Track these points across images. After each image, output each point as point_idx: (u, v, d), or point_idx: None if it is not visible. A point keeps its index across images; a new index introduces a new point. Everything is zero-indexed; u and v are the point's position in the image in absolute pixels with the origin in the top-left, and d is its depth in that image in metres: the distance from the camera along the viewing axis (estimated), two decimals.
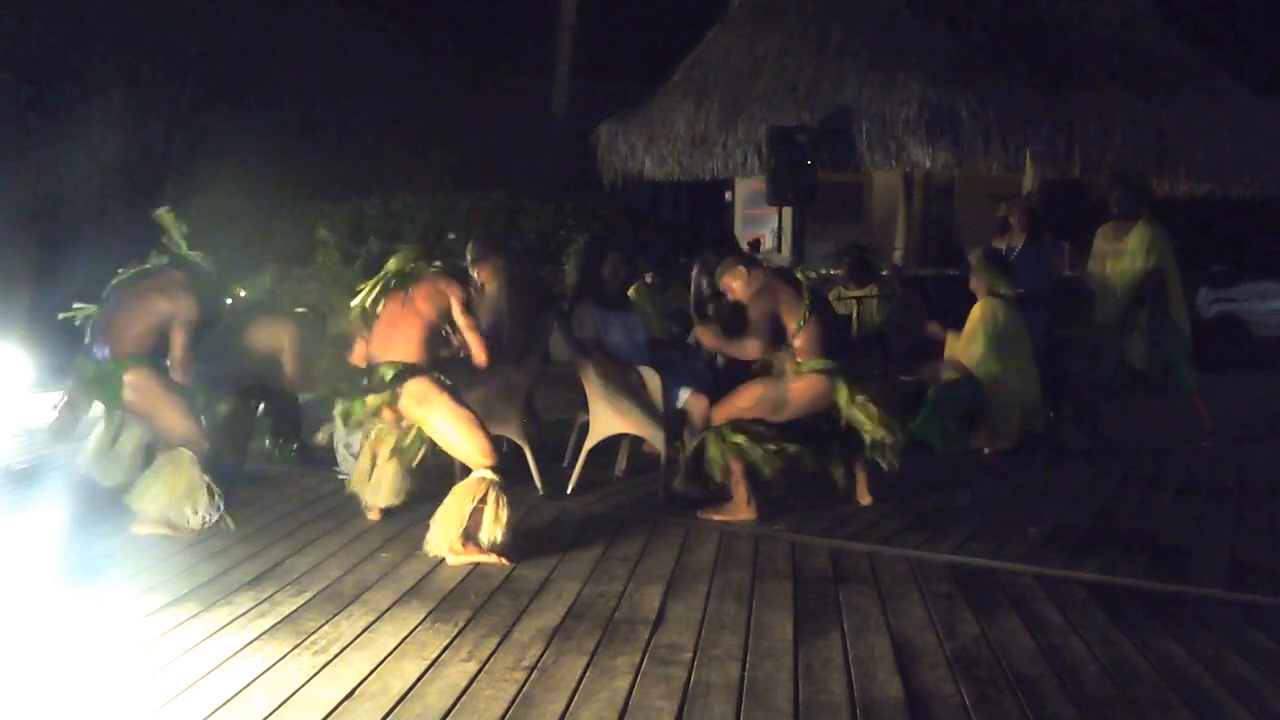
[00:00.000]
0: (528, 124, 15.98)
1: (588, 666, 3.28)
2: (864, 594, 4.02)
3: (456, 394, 4.64)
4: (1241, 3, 17.32)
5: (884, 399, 5.19)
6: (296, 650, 3.39)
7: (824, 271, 7.52)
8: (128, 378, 4.86)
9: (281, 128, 13.98)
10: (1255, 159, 10.76)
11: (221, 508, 4.85)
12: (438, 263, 4.80)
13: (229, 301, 6.39)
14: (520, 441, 5.67)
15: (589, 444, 5.63)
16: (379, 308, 4.74)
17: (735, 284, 5.20)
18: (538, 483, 5.57)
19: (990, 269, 6.59)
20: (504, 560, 4.33)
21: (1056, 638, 3.55)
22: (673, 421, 5.48)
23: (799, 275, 5.16)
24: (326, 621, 3.67)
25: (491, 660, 3.33)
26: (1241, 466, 6.32)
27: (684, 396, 5.52)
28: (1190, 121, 10.54)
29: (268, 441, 6.28)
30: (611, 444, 5.83)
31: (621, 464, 6.00)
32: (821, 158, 10.00)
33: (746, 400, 5.02)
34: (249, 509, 5.22)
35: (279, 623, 3.65)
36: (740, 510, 5.02)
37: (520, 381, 5.73)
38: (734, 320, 5.24)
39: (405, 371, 4.58)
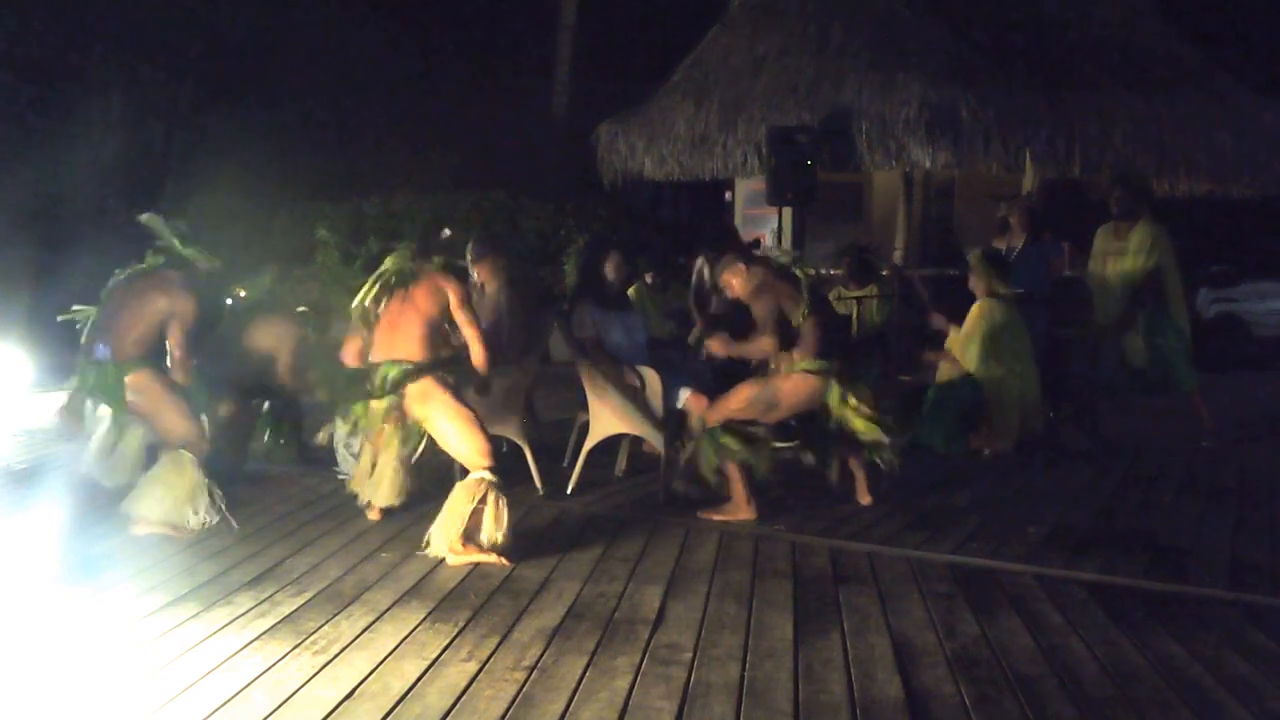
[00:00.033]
0: (528, 124, 15.97)
1: (588, 666, 3.28)
2: (864, 594, 4.02)
3: (458, 393, 4.65)
4: (1241, 3, 17.31)
5: (880, 400, 5.19)
6: (296, 650, 3.39)
7: (824, 271, 7.51)
8: (129, 379, 4.87)
9: (281, 128, 13.97)
10: (1255, 159, 10.74)
11: (223, 508, 4.86)
12: (437, 259, 4.80)
13: (229, 301, 6.39)
14: (520, 441, 5.67)
15: (589, 444, 5.63)
16: (380, 307, 4.74)
17: (735, 281, 5.19)
18: (538, 483, 5.57)
19: (989, 269, 6.59)
20: (504, 560, 4.33)
21: (1056, 638, 3.55)
22: (673, 421, 5.48)
23: (797, 273, 5.15)
24: (326, 621, 3.67)
25: (491, 660, 3.33)
26: (1241, 466, 6.32)
27: (684, 396, 5.52)
28: (1190, 121, 10.53)
29: (268, 441, 6.28)
30: (611, 444, 5.83)
31: (621, 464, 6.00)
32: (821, 158, 9.99)
33: (739, 401, 5.02)
34: (249, 509, 5.22)
35: (279, 623, 3.65)
36: (740, 510, 5.02)
37: (520, 381, 5.73)
38: (733, 315, 5.23)
39: (412, 372, 4.58)
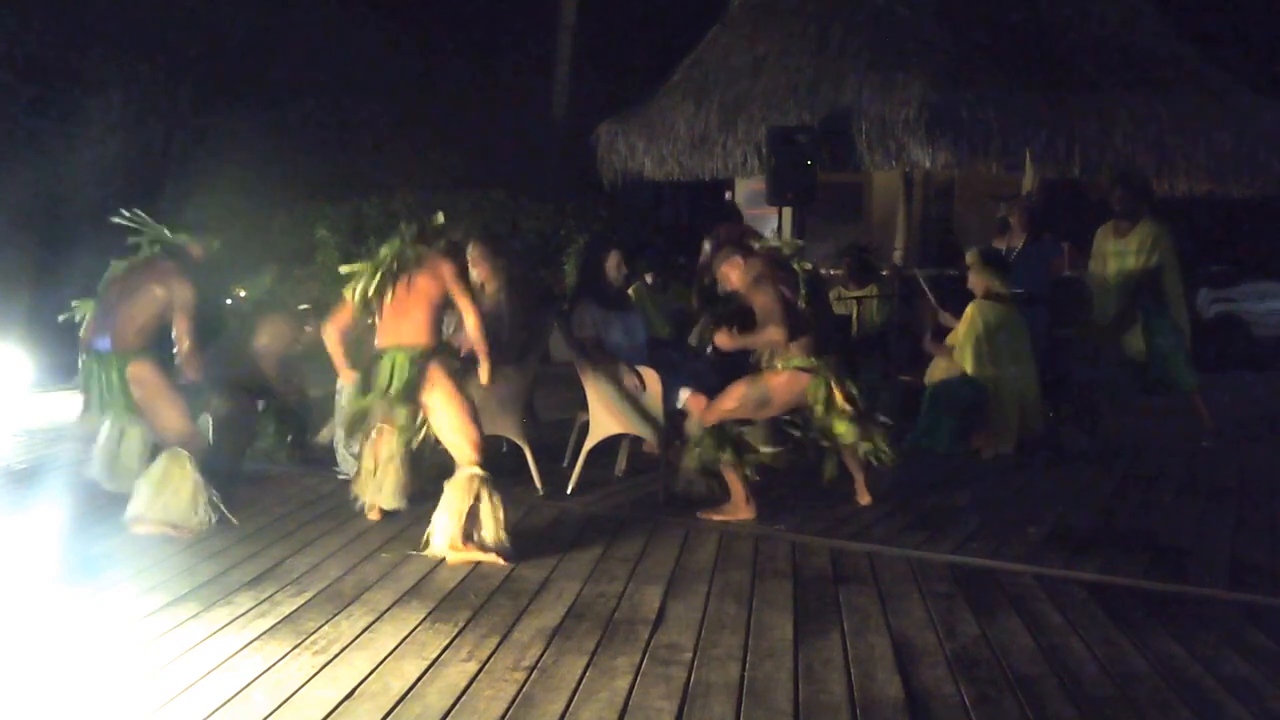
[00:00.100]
0: (528, 124, 15.97)
1: (588, 666, 3.28)
2: (864, 594, 4.02)
3: (459, 382, 4.64)
4: (1241, 3, 17.31)
5: (872, 399, 5.18)
6: (296, 650, 3.39)
7: (824, 271, 7.51)
8: (131, 370, 4.87)
9: (281, 128, 13.96)
10: (1255, 159, 10.73)
11: (221, 508, 4.86)
12: (439, 241, 4.77)
13: (229, 301, 6.39)
14: (520, 441, 5.67)
15: (589, 444, 5.63)
16: (386, 296, 4.68)
17: (733, 273, 5.17)
18: (538, 483, 5.57)
19: (987, 269, 6.58)
20: (502, 560, 4.33)
21: (1056, 638, 3.55)
22: (672, 422, 5.48)
23: (795, 266, 5.11)
24: (326, 621, 3.67)
25: (491, 660, 3.33)
26: (1241, 466, 6.32)
27: (684, 396, 5.52)
28: (1190, 121, 10.52)
29: (271, 440, 6.28)
30: (611, 444, 5.83)
31: (621, 464, 6.00)
32: (821, 158, 9.98)
33: (732, 400, 5.02)
34: (249, 509, 5.22)
35: (279, 623, 3.65)
36: (740, 510, 5.02)
37: (520, 381, 5.73)
38: (737, 307, 5.21)
39: (421, 356, 4.56)
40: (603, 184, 12.13)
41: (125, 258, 5.19)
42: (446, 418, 4.54)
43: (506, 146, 15.52)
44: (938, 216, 12.42)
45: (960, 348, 6.53)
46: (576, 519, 5.13)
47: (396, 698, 3.04)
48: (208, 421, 5.85)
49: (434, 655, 3.36)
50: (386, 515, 4.97)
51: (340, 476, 5.83)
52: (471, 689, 3.11)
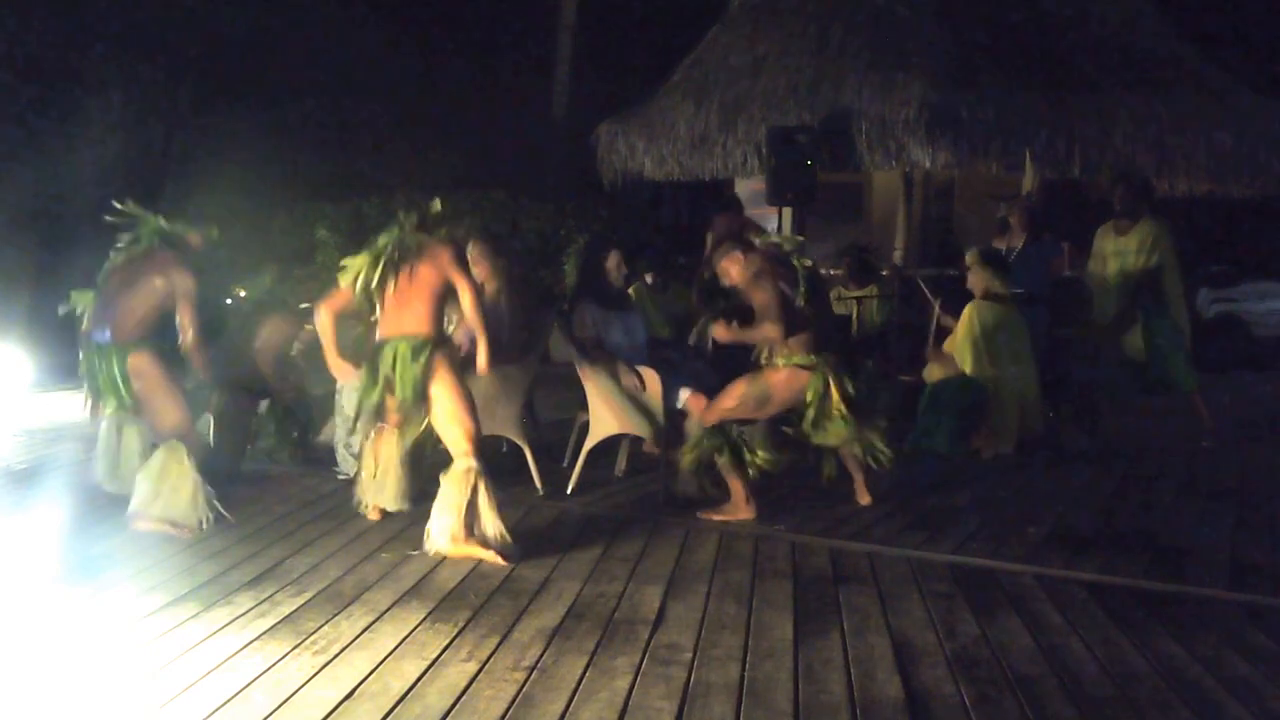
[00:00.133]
0: (528, 124, 15.96)
1: (588, 666, 3.28)
2: (864, 594, 4.02)
3: (459, 373, 4.64)
4: (1241, 3, 17.31)
5: (870, 401, 5.17)
6: (296, 650, 3.40)
7: (824, 271, 7.51)
8: (131, 360, 4.87)
9: (281, 128, 13.95)
10: (1255, 159, 10.73)
11: (217, 505, 4.86)
12: (440, 230, 4.75)
13: (229, 301, 6.40)
14: (520, 441, 5.67)
15: (589, 444, 5.63)
16: (389, 287, 4.65)
17: (733, 269, 5.16)
18: (538, 483, 5.57)
19: (987, 269, 6.57)
20: (502, 559, 4.33)
21: (1056, 638, 3.55)
22: (672, 422, 5.48)
23: (795, 263, 5.09)
24: (326, 621, 3.67)
25: (491, 660, 3.33)
26: (1241, 466, 6.33)
27: (684, 396, 5.52)
28: (1190, 121, 10.52)
29: (274, 441, 6.29)
30: (611, 444, 5.83)
31: (621, 464, 6.00)
32: (821, 158, 9.98)
33: (732, 399, 5.01)
34: (249, 509, 5.23)
35: (279, 623, 3.65)
36: (740, 510, 5.02)
37: (520, 381, 5.74)
38: (732, 301, 5.21)
39: (423, 345, 4.54)
40: (603, 184, 12.12)
41: (124, 248, 5.17)
42: (444, 407, 4.54)
43: (506, 146, 15.52)
44: (938, 216, 12.42)
45: (959, 348, 6.52)
46: (576, 519, 5.13)
47: (396, 698, 3.04)
48: (208, 421, 5.86)
49: (434, 655, 3.36)
50: (386, 515, 4.97)
51: (340, 476, 5.84)
52: (471, 689, 3.11)
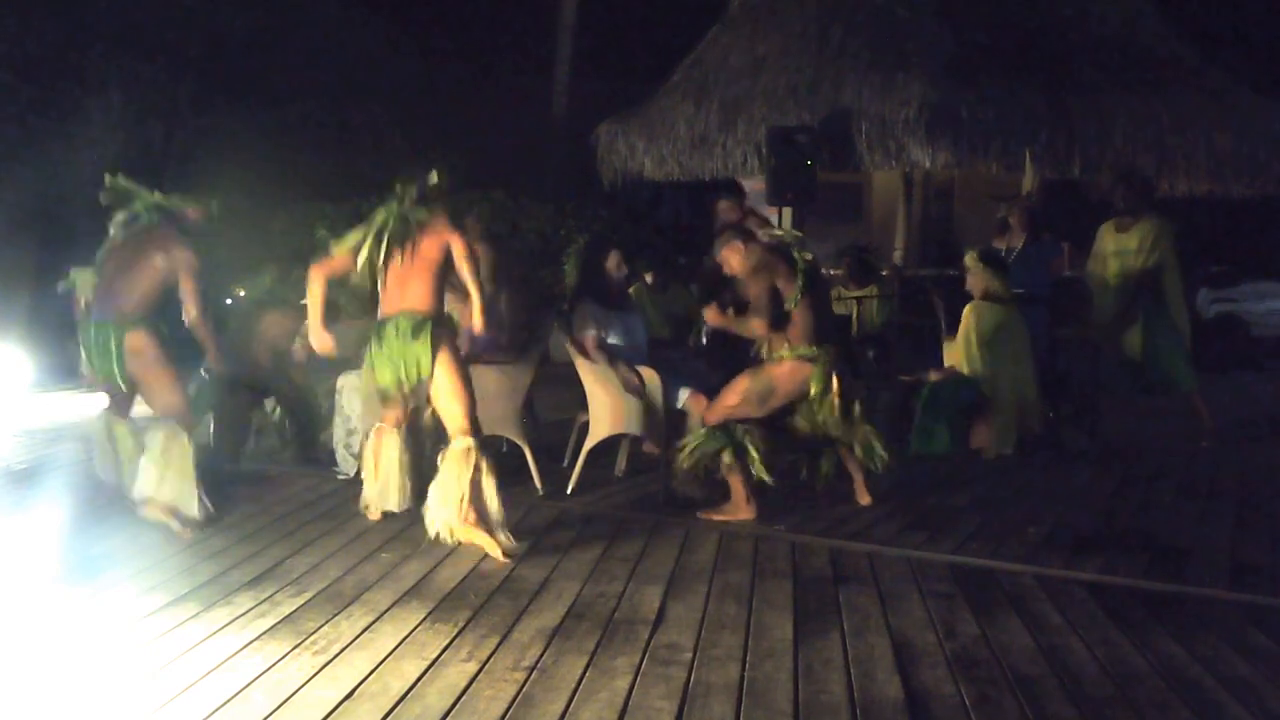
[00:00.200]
0: (528, 124, 15.97)
1: (588, 666, 3.28)
2: (864, 594, 4.01)
3: (458, 350, 4.64)
4: (1241, 3, 17.31)
5: (871, 401, 5.17)
6: (296, 650, 3.39)
7: (825, 272, 7.51)
8: (128, 338, 4.85)
9: (282, 127, 13.96)
10: (1255, 159, 10.74)
11: (206, 502, 4.86)
12: (440, 204, 4.71)
13: (229, 301, 6.40)
14: (520, 441, 5.67)
15: (589, 444, 5.63)
16: (394, 262, 4.62)
17: (733, 259, 5.16)
18: (538, 483, 5.57)
19: (986, 270, 6.57)
20: (502, 552, 4.34)
21: (1056, 638, 3.55)
22: (673, 422, 5.48)
23: (795, 255, 5.07)
24: (326, 621, 3.67)
25: (491, 660, 3.33)
26: (1241, 466, 6.32)
27: (684, 396, 5.53)
28: (1190, 121, 10.53)
29: (276, 439, 6.29)
30: (611, 444, 5.83)
31: (621, 464, 6.00)
32: (821, 158, 9.99)
33: (735, 395, 5.01)
34: (249, 509, 5.23)
35: (279, 623, 3.65)
36: (740, 510, 5.01)
37: (520, 381, 5.74)
38: (732, 289, 5.21)
39: (424, 321, 4.54)
40: (603, 184, 12.13)
41: (123, 226, 5.15)
42: (444, 383, 4.53)
43: (506, 146, 15.53)
44: (938, 216, 12.42)
45: (958, 349, 6.52)
46: (576, 519, 5.12)
47: (396, 698, 3.04)
48: (208, 421, 5.87)
49: (434, 655, 3.36)
50: (386, 515, 4.97)
51: (340, 476, 5.84)
52: (471, 689, 3.11)
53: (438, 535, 4.43)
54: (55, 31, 12.83)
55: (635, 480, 5.87)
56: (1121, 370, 7.05)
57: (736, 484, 5.00)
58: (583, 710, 2.97)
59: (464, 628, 3.62)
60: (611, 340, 5.66)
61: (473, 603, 3.87)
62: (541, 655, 3.37)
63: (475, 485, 4.39)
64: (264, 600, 3.89)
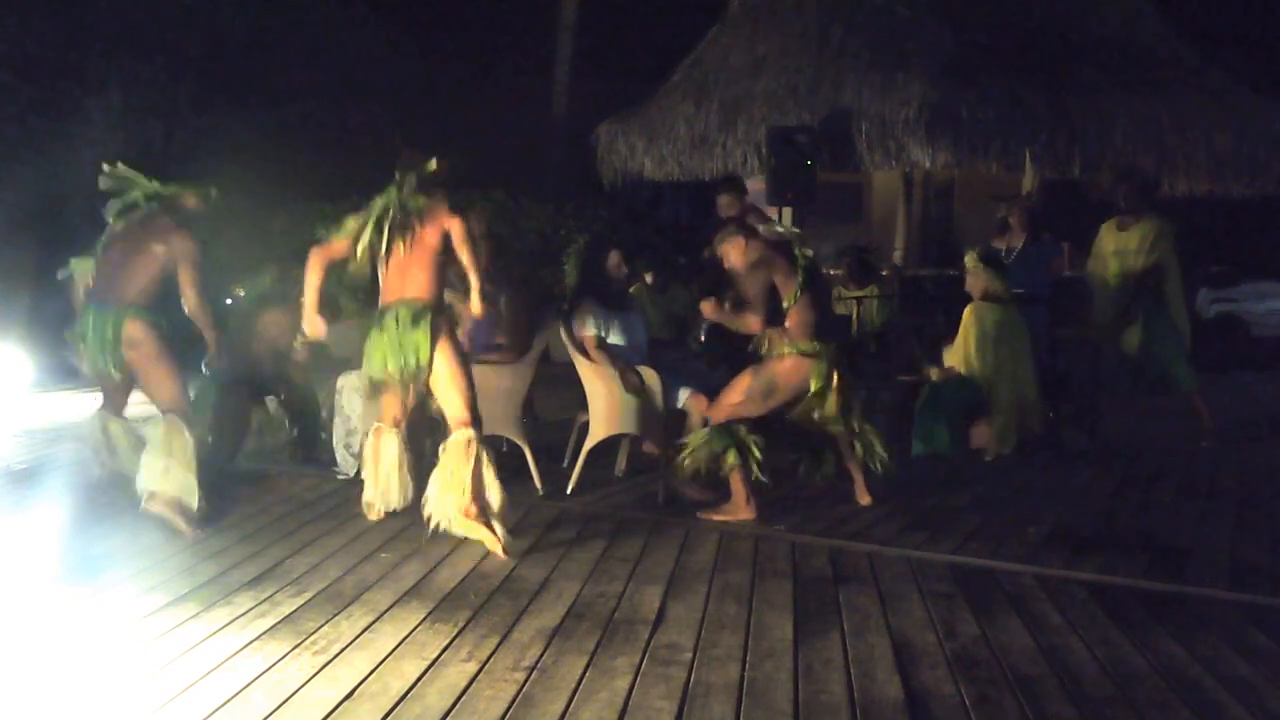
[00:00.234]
0: (528, 124, 15.98)
1: (588, 666, 3.28)
2: (864, 594, 4.01)
3: (457, 340, 4.64)
4: (1241, 3, 17.31)
5: (871, 401, 5.16)
6: (296, 650, 3.39)
7: (825, 272, 7.51)
8: (127, 326, 4.83)
9: (282, 127, 13.97)
10: (1255, 159, 10.74)
11: (202, 502, 4.86)
12: (439, 192, 4.70)
13: (229, 301, 6.39)
14: (520, 441, 5.67)
15: (589, 444, 5.63)
16: (396, 252, 4.62)
17: (733, 253, 5.16)
18: (538, 483, 5.57)
19: (986, 270, 6.57)
20: (505, 545, 4.34)
21: (1056, 638, 3.55)
22: (673, 422, 5.48)
23: (795, 252, 5.07)
24: (326, 621, 3.67)
25: (491, 660, 3.33)
26: (1241, 466, 6.32)
27: (684, 396, 5.53)
28: (1190, 121, 10.53)
29: (272, 437, 6.29)
30: (611, 444, 5.83)
31: (621, 464, 6.00)
32: (821, 158, 9.98)
33: (738, 394, 5.00)
34: (249, 509, 5.23)
35: (279, 623, 3.65)
36: (740, 510, 5.01)
37: (520, 381, 5.74)
38: (730, 283, 5.20)
39: (424, 309, 4.54)
40: (603, 184, 12.13)
41: (122, 215, 5.14)
42: (444, 372, 4.53)
43: (506, 146, 15.53)
44: (938, 216, 12.42)
45: (959, 349, 6.52)
46: (576, 519, 5.12)
47: (396, 698, 3.04)
48: (207, 421, 5.86)
49: (434, 655, 3.36)
50: (387, 515, 4.97)
51: (340, 476, 5.84)
52: (471, 689, 3.11)
53: (437, 527, 4.44)
54: (55, 31, 12.83)
55: (635, 480, 5.87)
56: (1121, 370, 7.05)
57: (737, 484, 5.00)
58: (583, 710, 2.97)
59: (464, 628, 3.62)
60: (611, 340, 5.67)
61: (473, 603, 3.87)
62: (541, 655, 3.37)
63: (476, 477, 4.39)
64: (264, 600, 3.89)
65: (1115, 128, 10.24)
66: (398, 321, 4.53)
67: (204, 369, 5.80)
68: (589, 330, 5.64)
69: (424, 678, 3.19)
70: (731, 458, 4.92)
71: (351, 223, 4.72)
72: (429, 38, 17.12)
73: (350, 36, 15.79)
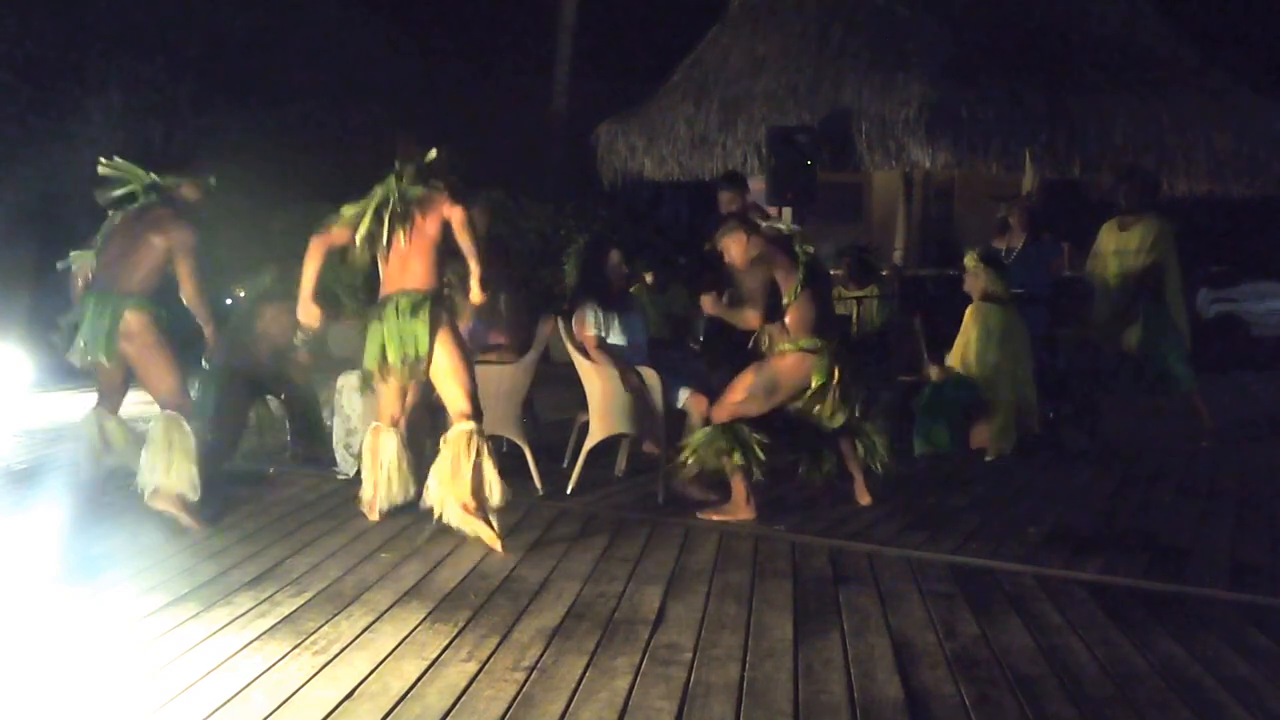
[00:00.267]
0: (528, 124, 15.98)
1: (588, 666, 3.28)
2: (864, 594, 4.01)
3: (457, 330, 4.64)
4: (1241, 3, 17.31)
5: (871, 401, 5.16)
6: (296, 650, 3.39)
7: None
8: (126, 317, 4.82)
9: (282, 127, 13.96)
10: (1255, 159, 10.75)
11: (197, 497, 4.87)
12: (439, 182, 4.71)
13: (229, 301, 6.39)
14: (520, 441, 5.67)
15: (589, 444, 5.63)
16: (398, 241, 4.61)
17: (734, 249, 5.15)
18: (538, 483, 5.57)
19: (986, 270, 6.57)
20: (503, 541, 4.33)
21: (1056, 638, 3.55)
22: (673, 421, 5.48)
23: (796, 248, 5.04)
24: (326, 621, 3.67)
25: (491, 660, 3.33)
26: (1241, 466, 6.32)
27: (684, 396, 5.53)
28: (1190, 121, 10.54)
29: (271, 436, 6.29)
30: (611, 444, 5.83)
31: (621, 464, 6.00)
32: (821, 158, 9.99)
33: (740, 392, 5.00)
34: (249, 509, 5.23)
35: (279, 623, 3.65)
36: (740, 510, 5.01)
37: (520, 381, 5.74)
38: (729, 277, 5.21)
39: (423, 299, 4.53)
40: (603, 184, 12.13)
41: (120, 207, 5.14)
42: (444, 363, 4.53)
43: (506, 146, 15.53)
44: (938, 216, 12.43)
45: (959, 349, 6.52)
46: (576, 519, 5.12)
47: (396, 698, 3.04)
48: (207, 419, 5.86)
49: (434, 655, 3.36)
50: (386, 515, 4.97)
51: (340, 476, 5.84)
52: (471, 689, 3.11)
53: (437, 520, 4.44)
54: (55, 31, 12.83)
55: (635, 480, 5.87)
56: (1121, 370, 7.05)
57: (738, 484, 5.00)
58: (583, 710, 2.97)
59: (464, 628, 3.62)
60: (611, 340, 5.67)
61: (473, 603, 3.87)
62: (541, 655, 3.37)
63: (476, 471, 4.39)
64: (264, 600, 3.89)
65: (1115, 128, 10.25)
66: (397, 311, 4.53)
67: (204, 364, 5.79)
68: (589, 330, 5.64)
69: (424, 678, 3.19)
70: (736, 458, 4.91)
71: (351, 210, 4.71)
72: (429, 38, 17.13)
73: (350, 36, 15.80)
